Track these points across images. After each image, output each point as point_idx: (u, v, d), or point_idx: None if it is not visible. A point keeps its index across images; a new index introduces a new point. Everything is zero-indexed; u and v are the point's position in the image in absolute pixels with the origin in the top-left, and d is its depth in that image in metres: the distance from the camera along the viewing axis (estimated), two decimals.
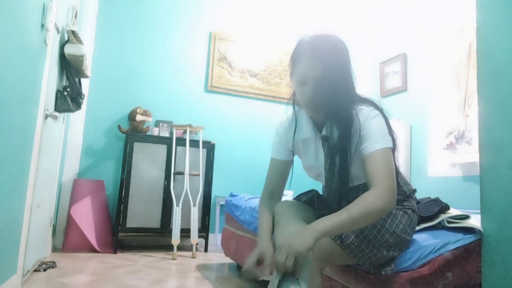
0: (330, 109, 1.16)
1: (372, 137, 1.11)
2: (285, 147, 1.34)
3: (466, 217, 1.43)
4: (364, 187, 1.17)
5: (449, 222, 1.41)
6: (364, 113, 1.14)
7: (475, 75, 2.85)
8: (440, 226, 1.42)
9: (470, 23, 2.99)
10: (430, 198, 1.56)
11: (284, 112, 1.38)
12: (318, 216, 1.24)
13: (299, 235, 0.99)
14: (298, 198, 1.32)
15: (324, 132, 1.22)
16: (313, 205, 1.28)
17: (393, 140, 1.16)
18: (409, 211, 1.26)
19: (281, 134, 1.35)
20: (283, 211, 1.18)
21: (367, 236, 1.15)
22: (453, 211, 1.50)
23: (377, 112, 1.16)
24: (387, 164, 1.08)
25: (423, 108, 3.39)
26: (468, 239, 1.35)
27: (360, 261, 1.19)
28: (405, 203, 1.27)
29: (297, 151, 1.33)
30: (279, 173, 1.34)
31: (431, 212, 1.43)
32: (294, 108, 1.29)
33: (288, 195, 3.32)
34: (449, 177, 3.05)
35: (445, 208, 1.46)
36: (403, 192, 1.28)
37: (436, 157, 3.18)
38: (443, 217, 1.41)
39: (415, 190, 1.35)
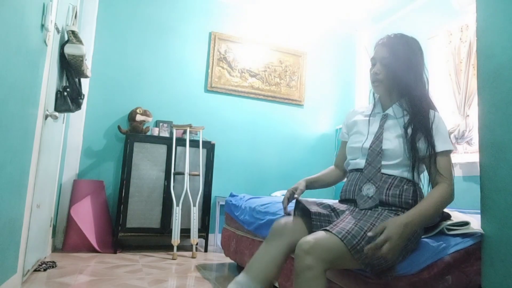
0: (400, 92, 1.36)
1: (445, 137, 1.29)
2: (345, 130, 1.56)
3: (466, 223, 1.41)
4: (395, 182, 1.29)
5: (449, 230, 1.39)
6: (432, 112, 1.32)
7: (475, 75, 2.85)
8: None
9: (470, 23, 2.98)
10: None
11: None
12: (312, 226, 1.25)
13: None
14: (294, 212, 1.38)
15: (389, 111, 1.39)
16: (305, 215, 1.30)
17: None
18: None
19: (347, 117, 1.56)
20: (266, 244, 1.28)
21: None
22: (454, 217, 1.47)
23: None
24: (452, 165, 1.29)
25: None
26: (468, 242, 1.33)
27: (363, 265, 1.18)
28: None
29: (352, 130, 1.50)
30: (342, 152, 1.59)
31: (433, 223, 1.41)
32: (371, 92, 1.49)
33: (279, 194, 3.32)
34: None
35: (446, 217, 1.44)
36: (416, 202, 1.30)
37: None
38: (443, 224, 1.39)
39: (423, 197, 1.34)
